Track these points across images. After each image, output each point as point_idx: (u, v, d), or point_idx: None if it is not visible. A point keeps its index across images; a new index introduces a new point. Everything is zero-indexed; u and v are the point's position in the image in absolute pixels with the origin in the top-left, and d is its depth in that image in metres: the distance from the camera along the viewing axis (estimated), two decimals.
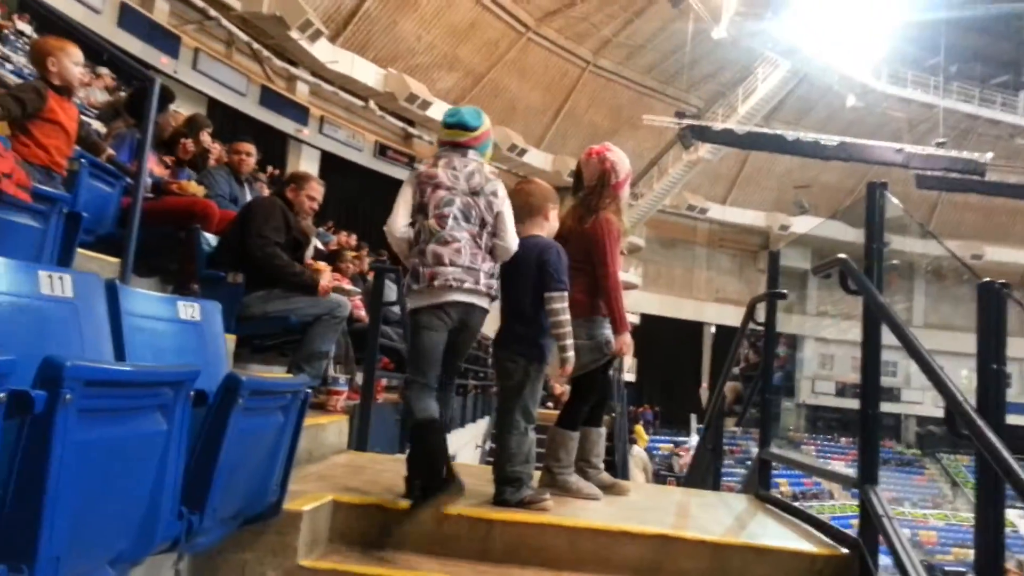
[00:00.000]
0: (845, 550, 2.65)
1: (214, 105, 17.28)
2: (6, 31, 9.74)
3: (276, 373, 4.40)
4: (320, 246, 7.81)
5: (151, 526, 1.59)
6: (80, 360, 1.33)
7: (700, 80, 28.16)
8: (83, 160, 3.92)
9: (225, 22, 17.44)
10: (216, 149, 6.92)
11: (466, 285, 2.92)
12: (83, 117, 4.65)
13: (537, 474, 3.20)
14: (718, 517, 3.26)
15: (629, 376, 24.91)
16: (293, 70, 19.63)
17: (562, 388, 3.12)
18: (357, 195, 19.86)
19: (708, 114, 27.50)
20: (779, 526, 3.09)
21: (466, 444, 9.25)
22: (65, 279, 1.86)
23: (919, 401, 29.70)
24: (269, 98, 19.08)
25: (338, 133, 21.28)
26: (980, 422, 1.94)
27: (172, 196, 4.65)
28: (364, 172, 21.64)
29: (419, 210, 3.00)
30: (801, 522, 3.15)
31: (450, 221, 2.96)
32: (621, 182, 3.51)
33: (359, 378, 4.68)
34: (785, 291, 4.15)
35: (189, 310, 2.44)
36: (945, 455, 31.31)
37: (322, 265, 4.72)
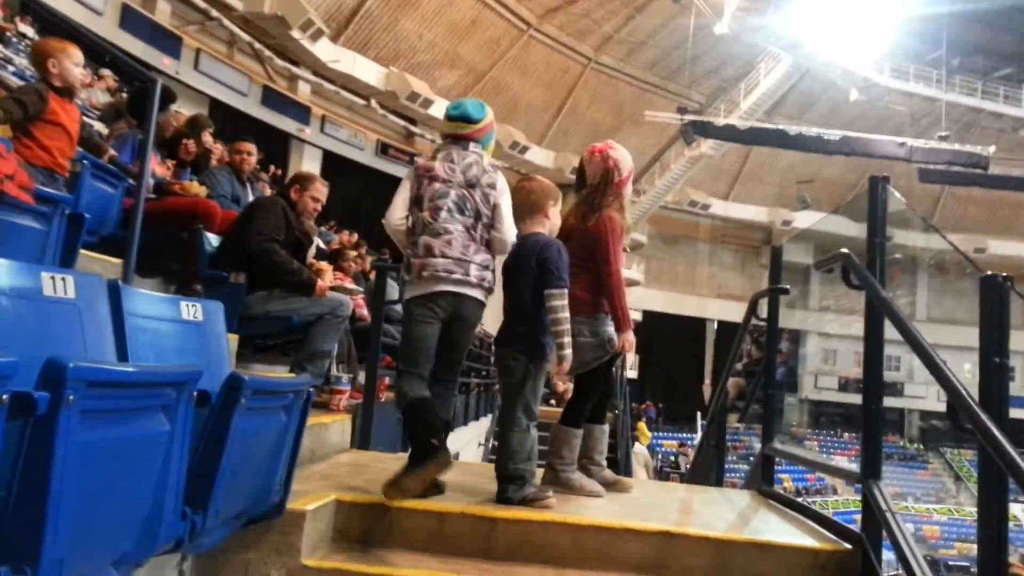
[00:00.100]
0: (848, 545, 2.65)
1: (216, 105, 17.30)
2: (8, 33, 9.75)
3: (279, 373, 4.40)
4: (322, 245, 7.81)
5: (154, 527, 1.60)
6: (83, 361, 1.33)
7: (702, 76, 28.14)
8: (85, 161, 3.93)
9: (227, 22, 17.46)
10: (218, 149, 6.93)
11: (455, 276, 2.94)
12: (85, 118, 4.65)
13: (540, 472, 3.21)
14: (721, 513, 3.26)
15: (632, 373, 24.90)
16: (295, 70, 19.65)
17: (565, 385, 3.12)
18: (359, 194, 19.86)
19: (710, 110, 27.48)
20: (782, 522, 3.09)
21: (469, 442, 9.26)
22: (67, 280, 1.87)
23: (922, 396, 29.68)
24: (271, 98, 19.09)
25: (340, 132, 21.29)
26: (983, 416, 1.94)
27: (174, 196, 4.65)
28: (366, 171, 21.65)
29: (415, 203, 3.04)
30: (804, 518, 3.14)
31: (443, 213, 2.98)
32: (624, 180, 3.51)
33: (362, 377, 4.68)
34: (787, 286, 4.14)
35: (191, 310, 2.44)
36: (948, 449, 31.29)
37: (324, 265, 4.72)
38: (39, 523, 1.25)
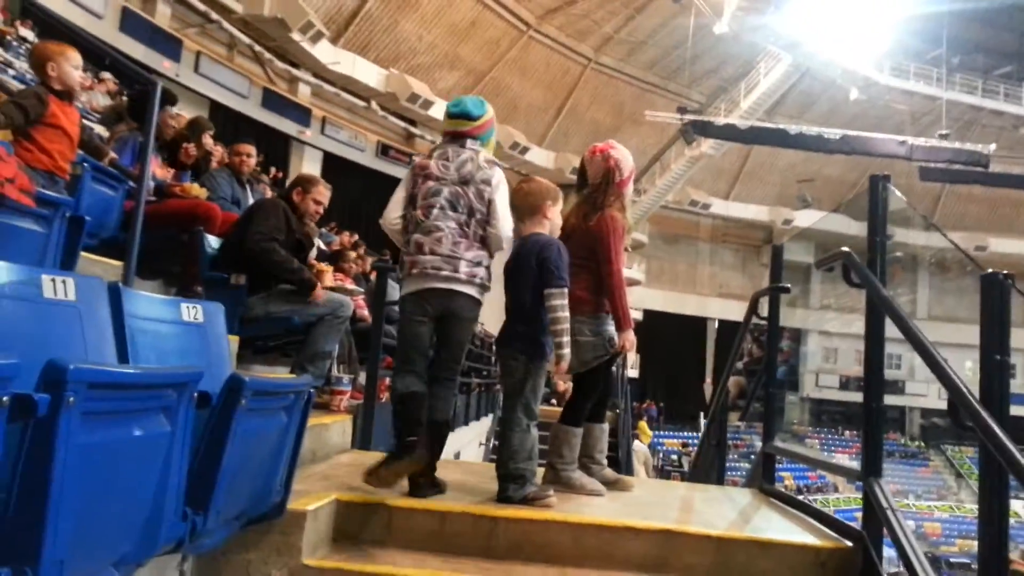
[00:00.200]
0: (849, 543, 2.66)
1: (216, 108, 17.30)
2: (8, 37, 9.76)
3: (279, 374, 4.41)
4: (323, 247, 7.82)
5: (155, 528, 1.60)
6: (83, 363, 1.34)
7: (702, 75, 28.13)
8: (86, 164, 3.94)
9: (227, 25, 17.46)
10: (218, 152, 6.93)
11: (444, 273, 2.95)
12: (85, 121, 4.66)
13: (541, 471, 3.21)
14: (722, 511, 3.26)
15: (633, 372, 24.92)
16: (295, 72, 19.65)
17: (566, 385, 3.12)
18: (360, 195, 19.86)
19: (710, 109, 27.47)
20: (783, 520, 3.09)
21: (470, 442, 9.26)
22: (68, 283, 1.87)
23: (923, 393, 29.67)
24: (271, 100, 19.10)
25: (340, 134, 21.29)
26: (984, 413, 1.94)
27: (174, 199, 4.66)
28: (366, 172, 21.65)
29: (410, 201, 3.07)
30: (805, 515, 3.15)
31: (435, 211, 3.00)
32: (625, 179, 3.52)
33: (362, 378, 4.69)
34: (788, 285, 4.15)
35: (192, 312, 2.45)
36: (949, 447, 31.27)
37: (324, 266, 4.73)
38: (39, 524, 1.26)
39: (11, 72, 8.32)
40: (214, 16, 17.06)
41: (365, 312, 5.75)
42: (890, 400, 29.27)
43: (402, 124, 22.71)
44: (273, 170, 15.02)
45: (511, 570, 2.46)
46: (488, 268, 3.07)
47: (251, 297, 4.13)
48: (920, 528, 24.32)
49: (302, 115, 19.98)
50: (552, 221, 3.19)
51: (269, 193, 7.30)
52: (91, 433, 1.35)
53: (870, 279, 2.76)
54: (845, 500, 23.96)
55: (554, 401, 11.00)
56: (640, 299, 27.70)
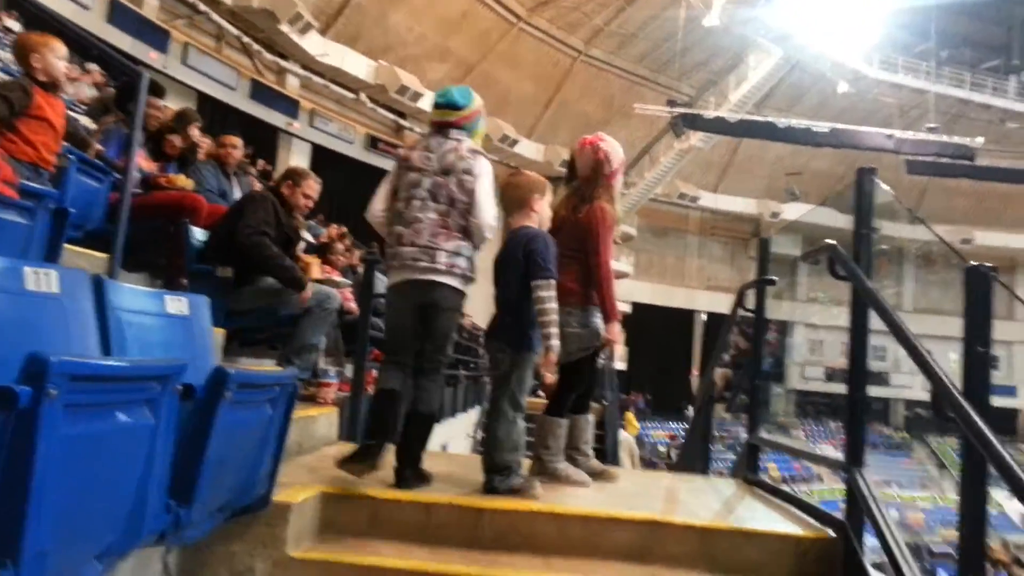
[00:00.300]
0: (832, 533, 2.68)
1: (204, 99, 17.19)
2: None
3: (266, 366, 4.40)
4: (311, 239, 7.80)
5: (138, 519, 1.60)
6: (65, 355, 1.34)
7: (692, 68, 28.13)
8: (71, 156, 3.92)
9: (215, 16, 17.35)
10: (206, 144, 6.89)
11: (421, 264, 2.97)
12: (70, 113, 4.62)
13: (527, 462, 3.22)
14: (706, 502, 3.29)
15: (621, 365, 24.97)
16: (283, 63, 19.54)
17: (553, 377, 3.12)
18: (348, 188, 19.78)
19: (700, 102, 27.49)
20: (767, 510, 3.12)
21: (457, 434, 9.28)
22: (51, 275, 1.86)
23: (908, 385, 29.86)
24: (259, 92, 18.98)
25: (329, 126, 21.19)
26: (965, 404, 1.96)
27: (160, 190, 4.63)
28: (355, 165, 21.57)
29: (394, 194, 3.07)
30: (789, 506, 3.18)
31: (416, 202, 3.02)
32: (615, 171, 3.54)
33: (349, 370, 4.68)
34: (774, 278, 4.17)
35: (177, 305, 2.44)
36: (933, 438, 31.51)
37: (312, 259, 4.72)
38: (21, 517, 1.26)
39: None
40: (202, 7, 16.94)
41: (352, 305, 5.74)
42: (875, 392, 29.49)
43: (391, 116, 22.63)
44: (261, 162, 14.93)
45: (497, 560, 2.47)
46: (470, 259, 3.07)
47: (237, 290, 4.11)
48: (904, 518, 24.51)
49: (290, 107, 19.87)
50: (540, 214, 3.19)
51: (257, 185, 7.27)
52: (73, 425, 1.35)
53: (855, 272, 2.78)
54: (831, 490, 24.11)
55: (541, 393, 11.02)
56: (629, 292, 27.76)
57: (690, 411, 27.94)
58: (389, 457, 2.94)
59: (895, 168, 24.96)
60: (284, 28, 17.96)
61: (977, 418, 1.91)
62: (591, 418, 3.63)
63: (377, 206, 3.13)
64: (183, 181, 4.75)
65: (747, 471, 3.86)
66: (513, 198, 3.17)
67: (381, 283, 4.97)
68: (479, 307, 3.32)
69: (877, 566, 2.49)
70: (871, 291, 2.66)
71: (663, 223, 32.21)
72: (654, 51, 27.42)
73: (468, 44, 23.95)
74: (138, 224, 3.95)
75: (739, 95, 26.14)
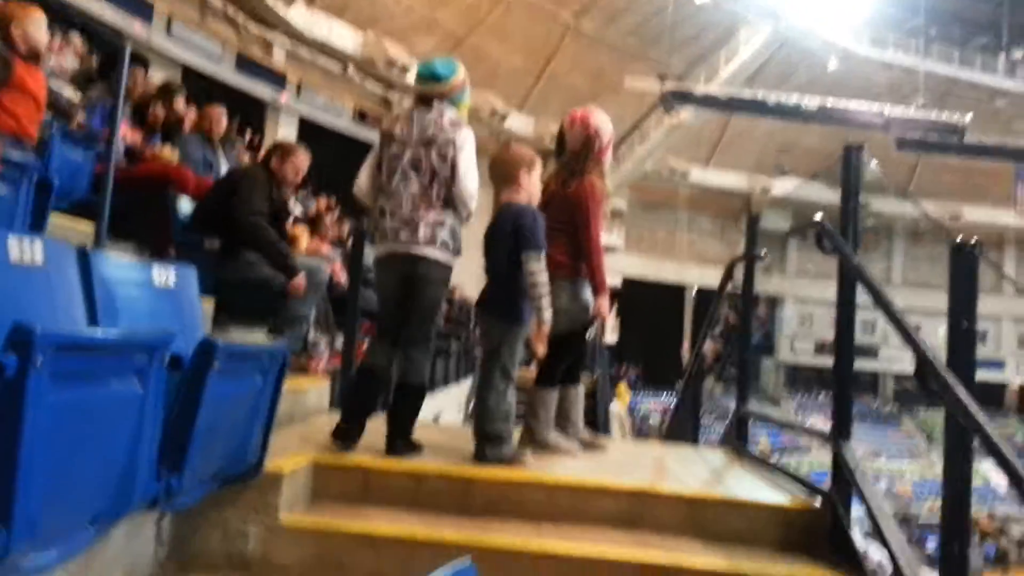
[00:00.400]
0: (818, 503, 2.71)
1: (189, 72, 16.98)
2: None
3: (256, 337, 4.39)
4: (298, 213, 7.76)
5: (129, 486, 1.61)
6: (50, 325, 1.33)
7: (682, 43, 27.92)
8: (54, 127, 3.87)
9: None
10: (191, 116, 6.82)
11: (402, 236, 2.98)
12: (52, 84, 4.56)
13: (517, 432, 3.24)
14: (695, 472, 3.32)
15: (611, 338, 25.07)
16: (269, 35, 19.29)
17: (545, 350, 3.13)
18: (337, 161, 19.65)
19: (690, 77, 27.35)
20: (754, 480, 3.15)
21: (449, 404, 9.34)
22: (36, 245, 1.85)
23: (897, 358, 30.11)
24: (245, 64, 18.77)
25: (316, 99, 21.01)
26: (949, 377, 1.98)
27: (146, 163, 4.59)
28: (344, 138, 21.40)
29: (378, 167, 3.08)
30: (776, 476, 3.21)
31: (397, 175, 3.02)
32: (604, 147, 3.54)
33: (340, 342, 4.68)
34: (763, 253, 4.19)
35: (164, 275, 2.43)
36: (921, 410, 31.85)
37: (299, 230, 4.70)
38: (11, 484, 1.26)
39: None
40: None
41: (342, 277, 5.73)
42: (864, 365, 29.73)
43: (379, 89, 22.43)
44: (249, 134, 14.79)
45: (487, 527, 2.49)
46: (454, 230, 3.06)
47: (227, 261, 4.09)
48: (892, 489, 24.84)
49: (277, 79, 19.66)
50: (529, 188, 3.17)
51: (245, 157, 7.22)
52: (60, 394, 1.35)
53: (841, 247, 2.79)
54: (820, 462, 24.38)
55: (533, 365, 11.06)
56: (619, 266, 27.78)
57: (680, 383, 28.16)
58: (381, 427, 2.95)
59: (885, 144, 24.98)
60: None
61: (959, 389, 1.93)
62: (581, 389, 3.65)
63: (363, 180, 3.13)
64: (168, 154, 4.71)
65: (735, 442, 3.90)
66: (502, 173, 3.16)
67: (371, 256, 4.97)
68: (471, 279, 3.32)
69: (868, 535, 2.53)
70: (857, 266, 2.68)
71: (654, 198, 32.19)
72: (644, 25, 27.21)
73: (456, 16, 23.72)
74: (124, 195, 3.91)
75: (729, 71, 26.05)
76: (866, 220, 3.00)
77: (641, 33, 27.59)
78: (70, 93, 5.43)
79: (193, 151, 5.14)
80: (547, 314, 2.99)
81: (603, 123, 3.53)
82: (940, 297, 2.26)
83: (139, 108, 5.24)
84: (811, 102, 25.63)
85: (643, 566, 2.31)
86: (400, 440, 2.90)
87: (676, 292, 32.46)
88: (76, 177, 4.11)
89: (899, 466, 27.78)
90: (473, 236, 3.16)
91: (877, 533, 2.30)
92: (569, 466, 3.04)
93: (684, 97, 25.66)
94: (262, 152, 6.94)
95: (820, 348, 31.26)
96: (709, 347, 5.61)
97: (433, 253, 3.00)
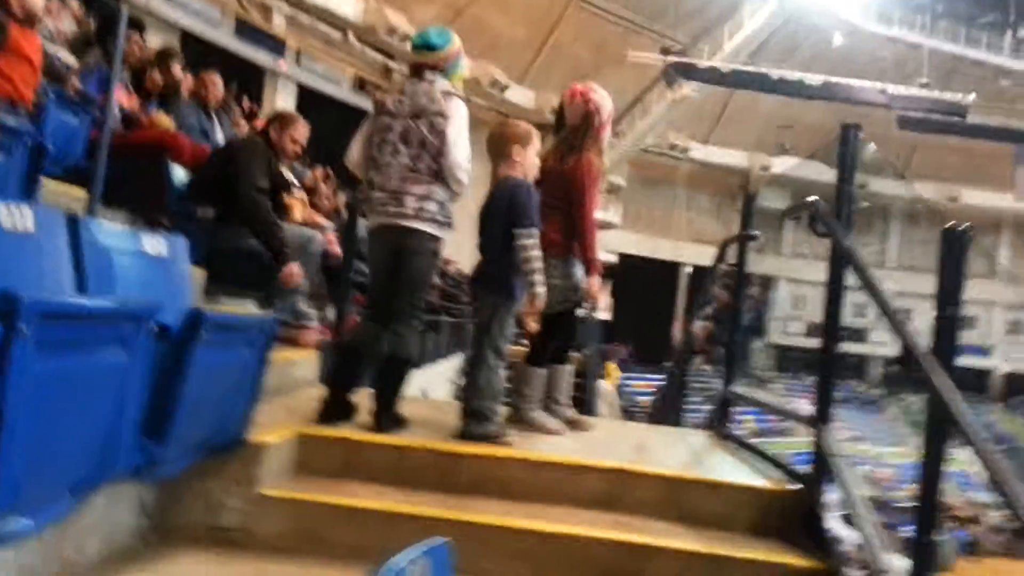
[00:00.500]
0: (796, 486, 2.75)
1: (187, 37, 16.79)
2: None
3: (248, 308, 4.41)
4: (295, 182, 7.73)
5: (111, 455, 1.63)
6: (37, 293, 1.35)
7: (686, 16, 27.67)
8: (49, 92, 3.86)
9: None
10: (188, 82, 6.77)
11: (390, 209, 2.98)
12: (48, 48, 4.52)
13: (504, 410, 3.27)
14: (676, 453, 3.36)
15: (604, 315, 25.08)
16: (268, 0, 19.06)
17: (536, 326, 3.14)
18: (336, 130, 19.50)
19: (694, 51, 27.13)
20: (735, 462, 3.19)
21: (439, 380, 9.35)
22: (25, 212, 1.86)
23: (885, 342, 30.13)
24: (244, 30, 18.55)
25: (316, 66, 20.81)
26: (926, 360, 2.01)
27: (141, 129, 4.57)
28: (343, 107, 21.24)
29: (370, 139, 3.07)
30: (757, 460, 3.24)
31: (387, 147, 3.02)
32: (604, 124, 3.52)
33: (331, 314, 4.69)
34: (757, 232, 4.19)
35: (154, 244, 2.44)
36: (907, 395, 31.95)
37: (294, 200, 4.69)
38: None
39: None
40: None
41: (336, 248, 5.72)
42: (853, 348, 29.75)
43: (380, 58, 22.21)
44: (246, 101, 14.67)
45: (471, 505, 2.52)
46: (443, 203, 3.04)
47: (220, 230, 4.08)
48: (873, 473, 24.98)
49: (277, 46, 19.46)
50: (525, 163, 3.16)
51: (242, 125, 7.17)
52: (45, 362, 1.37)
53: (833, 228, 2.80)
54: (807, 444, 24.51)
55: (525, 342, 11.07)
56: (615, 242, 27.73)
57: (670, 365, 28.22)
58: (366, 401, 2.97)
59: (887, 123, 24.85)
60: None
61: (939, 373, 1.95)
62: (569, 368, 3.67)
63: (355, 152, 3.13)
64: (164, 121, 4.69)
65: (719, 424, 3.93)
66: (498, 147, 3.16)
67: (364, 227, 4.96)
68: (466, 254, 3.33)
69: (846, 518, 2.57)
70: (848, 247, 2.69)
71: (653, 174, 32.04)
72: None
73: None
74: (119, 162, 3.90)
75: (733, 45, 25.83)
76: (860, 202, 2.99)
77: (645, 6, 27.30)
78: (66, 57, 5.39)
79: (189, 118, 5.12)
80: (540, 289, 3.00)
81: (603, 100, 3.52)
82: (935, 281, 2.27)
83: (136, 73, 5.21)
84: (814, 78, 25.44)
85: (620, 543, 2.34)
86: (386, 414, 2.92)
87: (671, 270, 32.45)
88: (71, 143, 4.09)
89: (881, 450, 27.93)
90: (469, 210, 3.16)
91: (852, 518, 2.34)
92: (553, 444, 3.07)
93: (687, 70, 25.45)
94: (260, 121, 6.91)
95: (812, 330, 31.31)
96: (700, 327, 5.63)
97: (421, 226, 2.99)
